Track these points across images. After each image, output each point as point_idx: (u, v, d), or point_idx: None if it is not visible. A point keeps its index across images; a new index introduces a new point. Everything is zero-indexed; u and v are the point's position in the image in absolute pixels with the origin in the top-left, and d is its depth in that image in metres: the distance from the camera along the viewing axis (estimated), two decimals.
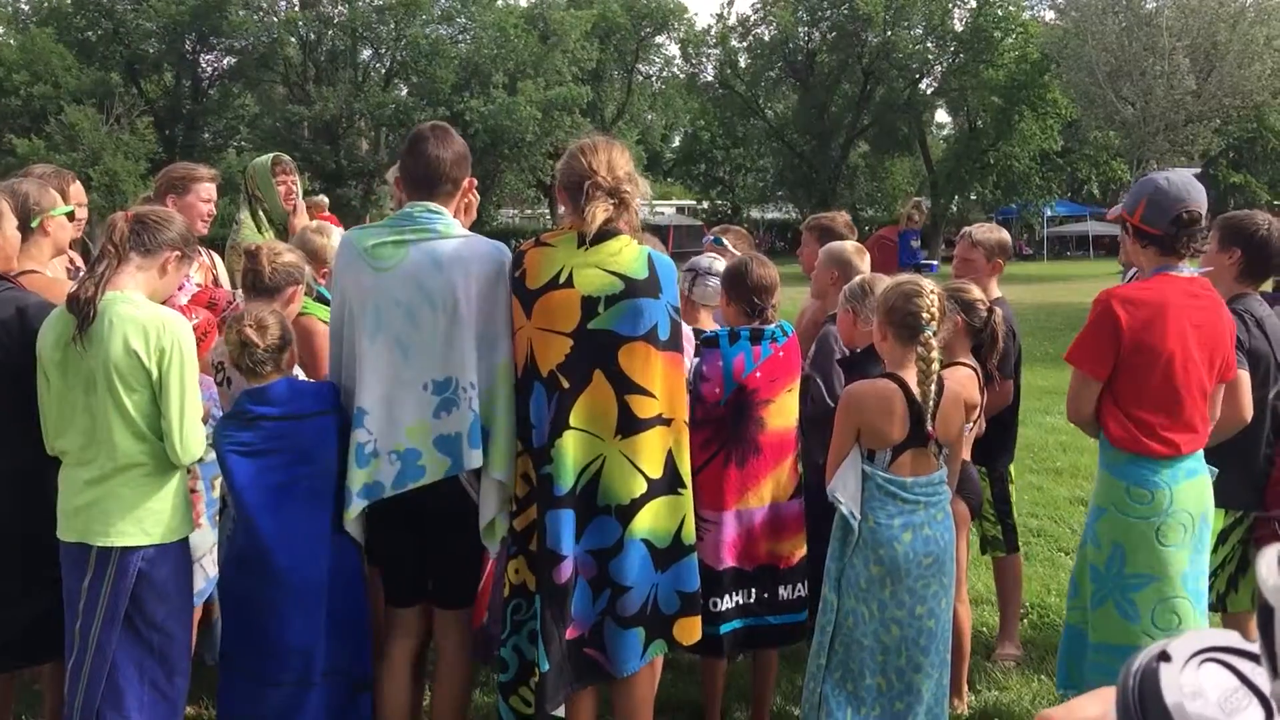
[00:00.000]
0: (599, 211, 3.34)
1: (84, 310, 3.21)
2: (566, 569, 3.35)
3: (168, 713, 3.40)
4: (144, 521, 3.28)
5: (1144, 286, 3.53)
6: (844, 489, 3.53)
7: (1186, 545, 3.49)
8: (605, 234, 3.37)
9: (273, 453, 3.45)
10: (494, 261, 3.50)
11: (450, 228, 3.50)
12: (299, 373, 3.74)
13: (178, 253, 3.46)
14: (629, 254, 3.40)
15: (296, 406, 3.50)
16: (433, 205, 3.50)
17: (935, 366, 3.45)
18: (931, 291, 3.51)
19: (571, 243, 3.40)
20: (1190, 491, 3.50)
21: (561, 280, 3.37)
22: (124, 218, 3.40)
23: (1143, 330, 3.42)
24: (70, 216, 3.92)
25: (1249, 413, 3.81)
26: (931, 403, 3.46)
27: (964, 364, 4.32)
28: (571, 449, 3.36)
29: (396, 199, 3.78)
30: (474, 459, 3.42)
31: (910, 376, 3.48)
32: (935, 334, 3.47)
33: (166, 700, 3.39)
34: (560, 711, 3.47)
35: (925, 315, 3.46)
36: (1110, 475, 3.52)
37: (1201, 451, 3.59)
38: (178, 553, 3.40)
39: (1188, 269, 3.58)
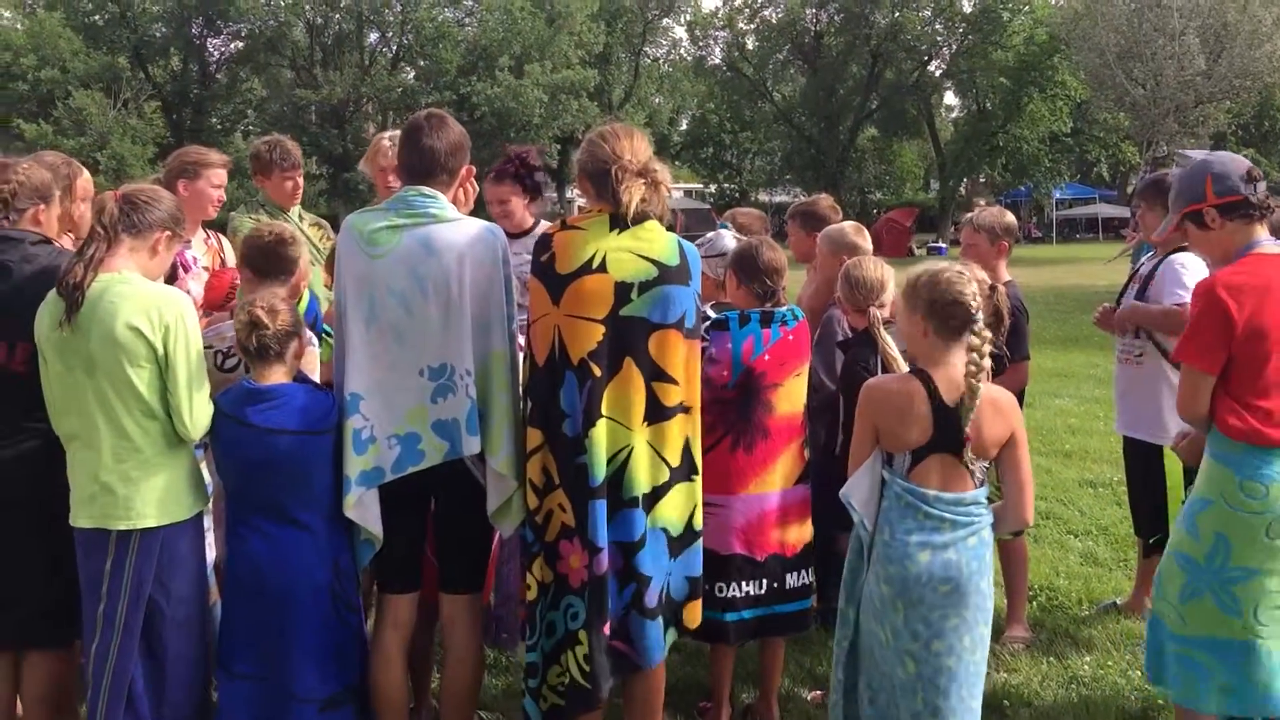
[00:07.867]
0: (635, 191, 3.31)
1: (73, 296, 3.17)
2: (604, 560, 3.33)
3: (197, 681, 3.42)
4: (162, 502, 3.28)
5: (1243, 269, 3.36)
6: (856, 493, 3.23)
7: None
8: (639, 216, 3.35)
9: (255, 460, 3.36)
10: (488, 245, 3.47)
11: (444, 211, 3.47)
12: (309, 368, 3.66)
13: (168, 233, 3.41)
14: (662, 240, 3.39)
15: (292, 420, 3.36)
16: (427, 190, 3.48)
17: (987, 363, 3.07)
18: (973, 280, 3.17)
19: (603, 225, 3.36)
20: None
21: (595, 265, 3.31)
22: (112, 198, 3.33)
23: (1253, 316, 3.27)
24: None
25: None
26: (969, 407, 3.07)
27: None
28: (604, 438, 3.33)
29: (382, 186, 3.68)
30: (472, 445, 3.41)
31: (940, 375, 3.14)
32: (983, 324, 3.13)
33: (196, 668, 3.42)
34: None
35: (973, 304, 3.10)
36: (1223, 466, 3.35)
37: None
38: (194, 526, 3.41)
39: (1272, 245, 3.42)
